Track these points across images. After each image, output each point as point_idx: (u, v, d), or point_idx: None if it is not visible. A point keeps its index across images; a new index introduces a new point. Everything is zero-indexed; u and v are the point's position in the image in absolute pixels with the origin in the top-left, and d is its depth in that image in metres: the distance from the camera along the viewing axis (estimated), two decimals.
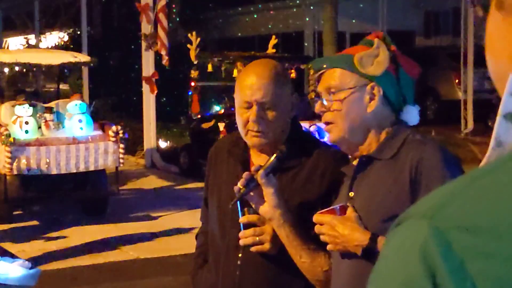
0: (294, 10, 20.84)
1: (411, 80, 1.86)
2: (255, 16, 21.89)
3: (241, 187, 1.86)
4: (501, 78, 0.74)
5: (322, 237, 1.78)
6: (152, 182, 9.84)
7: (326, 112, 1.84)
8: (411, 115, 1.86)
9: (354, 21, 18.21)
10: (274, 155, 1.91)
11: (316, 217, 1.79)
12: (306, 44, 20.28)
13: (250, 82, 1.98)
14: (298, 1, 20.81)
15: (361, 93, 1.81)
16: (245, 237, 1.92)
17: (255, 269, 1.98)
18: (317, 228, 1.78)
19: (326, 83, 1.85)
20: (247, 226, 1.92)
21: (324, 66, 1.88)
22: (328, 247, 1.79)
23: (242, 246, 1.95)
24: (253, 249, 1.93)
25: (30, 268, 3.23)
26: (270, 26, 20.00)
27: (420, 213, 0.66)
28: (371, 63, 1.80)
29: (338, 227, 1.73)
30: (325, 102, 1.85)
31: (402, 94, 1.85)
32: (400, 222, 0.68)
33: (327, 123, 1.86)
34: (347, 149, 1.88)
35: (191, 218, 7.64)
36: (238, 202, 1.90)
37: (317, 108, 1.87)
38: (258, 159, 2.02)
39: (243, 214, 1.92)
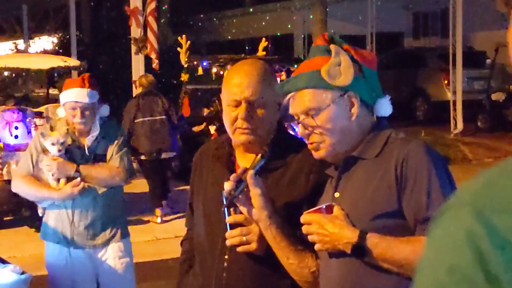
0: (284, 12, 20.88)
1: (374, 73, 1.88)
2: (245, 19, 21.90)
3: (231, 189, 1.86)
4: None
5: (310, 237, 1.78)
6: (143, 185, 9.81)
7: (311, 134, 1.83)
8: (384, 106, 1.87)
9: (343, 23, 18.26)
10: (259, 155, 1.91)
11: (304, 217, 1.79)
12: (295, 46, 20.32)
13: (239, 80, 1.98)
14: (287, 4, 20.85)
15: (340, 106, 1.81)
16: (232, 237, 1.91)
17: (241, 271, 1.98)
18: (305, 228, 1.79)
19: (301, 105, 1.83)
20: (234, 226, 1.91)
21: (292, 91, 1.85)
22: (316, 246, 1.79)
23: (229, 248, 1.94)
24: (239, 249, 1.91)
25: (22, 274, 3.22)
26: (260, 29, 20.02)
27: (461, 202, 0.71)
28: (339, 73, 1.80)
29: (327, 225, 1.74)
30: (302, 123, 1.84)
31: (372, 90, 1.86)
32: (441, 213, 0.72)
33: (311, 143, 1.85)
34: (334, 160, 1.87)
35: (183, 222, 7.61)
36: (224, 203, 1.89)
37: (301, 132, 1.86)
38: (244, 161, 2.02)
39: (229, 215, 1.91)
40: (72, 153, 3.62)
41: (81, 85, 3.60)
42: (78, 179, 3.54)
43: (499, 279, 0.64)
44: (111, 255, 3.78)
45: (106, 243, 3.75)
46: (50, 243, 3.74)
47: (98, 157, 3.67)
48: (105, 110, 3.81)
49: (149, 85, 8.14)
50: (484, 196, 0.69)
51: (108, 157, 3.68)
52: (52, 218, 3.69)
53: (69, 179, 3.55)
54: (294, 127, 1.97)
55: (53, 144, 3.52)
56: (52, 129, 3.67)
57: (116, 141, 3.70)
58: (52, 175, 3.54)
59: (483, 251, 0.66)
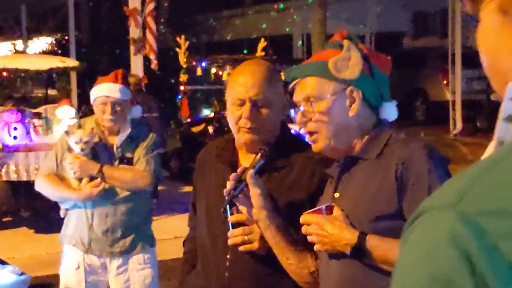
0: (283, 13, 20.88)
1: (385, 77, 1.88)
2: (244, 19, 21.90)
3: (231, 189, 1.86)
4: (500, 74, 0.76)
5: (309, 238, 1.78)
6: None
7: (308, 122, 1.84)
8: (390, 111, 1.87)
9: (343, 23, 18.27)
10: (259, 154, 1.92)
11: (303, 218, 1.79)
12: (295, 46, 20.32)
13: (244, 80, 1.99)
14: (287, 4, 20.85)
15: (341, 99, 1.81)
16: (234, 236, 1.92)
17: (243, 270, 1.98)
18: (304, 229, 1.78)
19: (303, 92, 1.84)
20: (236, 226, 1.92)
21: (298, 77, 1.87)
22: (316, 247, 1.78)
23: (231, 247, 1.94)
24: (241, 248, 1.92)
25: (20, 275, 3.21)
26: (259, 29, 20.02)
27: (440, 204, 0.66)
28: (346, 67, 1.81)
29: (327, 226, 1.73)
30: (302, 111, 1.84)
31: (379, 92, 1.86)
32: (418, 215, 0.68)
33: (310, 133, 1.85)
34: (333, 154, 1.88)
35: (182, 222, 7.59)
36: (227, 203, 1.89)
37: (299, 119, 1.86)
38: (247, 161, 2.02)
39: (231, 214, 1.92)
40: (97, 152, 3.45)
41: (113, 80, 3.43)
42: (99, 179, 3.36)
43: (488, 286, 0.60)
44: (129, 268, 3.55)
45: (125, 252, 3.52)
46: (66, 246, 3.58)
47: (125, 159, 3.47)
48: (137, 111, 3.58)
49: (138, 84, 8.49)
50: (466, 197, 0.64)
51: (135, 159, 3.46)
52: (73, 220, 3.52)
53: (92, 179, 3.38)
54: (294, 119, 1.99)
55: (76, 142, 3.38)
56: (80, 127, 3.50)
57: (145, 144, 3.48)
58: (74, 174, 3.39)
59: (470, 252, 0.61)
